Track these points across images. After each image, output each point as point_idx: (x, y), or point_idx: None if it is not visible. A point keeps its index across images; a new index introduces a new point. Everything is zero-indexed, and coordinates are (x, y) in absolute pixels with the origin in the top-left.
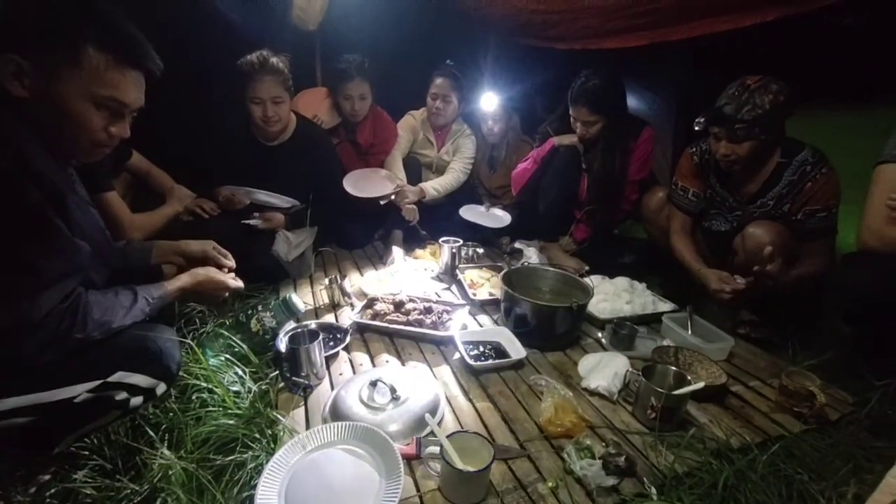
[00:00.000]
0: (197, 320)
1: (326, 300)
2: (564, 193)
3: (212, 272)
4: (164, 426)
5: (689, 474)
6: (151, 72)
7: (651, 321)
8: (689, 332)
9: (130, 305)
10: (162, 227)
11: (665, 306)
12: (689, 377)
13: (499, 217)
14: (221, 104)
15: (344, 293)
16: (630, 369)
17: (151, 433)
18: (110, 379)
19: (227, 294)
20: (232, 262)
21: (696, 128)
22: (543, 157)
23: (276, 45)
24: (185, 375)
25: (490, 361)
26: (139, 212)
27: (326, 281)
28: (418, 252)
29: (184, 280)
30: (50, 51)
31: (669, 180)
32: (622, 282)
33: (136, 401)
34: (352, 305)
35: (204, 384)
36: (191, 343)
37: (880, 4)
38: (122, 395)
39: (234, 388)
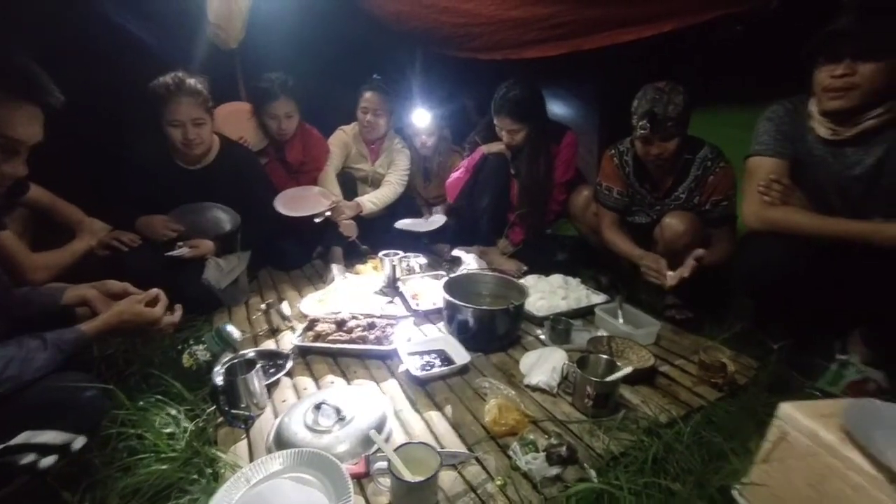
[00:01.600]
0: (120, 361)
1: (265, 326)
2: (496, 199)
3: (136, 306)
4: (83, 485)
5: (624, 454)
6: (49, 104)
7: (586, 314)
8: (621, 320)
9: (39, 355)
10: (72, 265)
11: (598, 298)
12: (619, 363)
13: (432, 221)
14: (137, 129)
15: (283, 317)
16: (567, 362)
17: (67, 496)
18: (12, 442)
19: (161, 328)
20: (162, 298)
21: (641, 131)
22: (474, 166)
23: (193, 65)
24: (108, 424)
25: (435, 370)
26: (43, 250)
27: (263, 306)
28: (359, 267)
29: (105, 318)
30: None
31: (595, 180)
32: (557, 279)
33: (47, 461)
34: (292, 329)
35: (131, 430)
36: (112, 388)
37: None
38: (28, 458)
39: (168, 430)
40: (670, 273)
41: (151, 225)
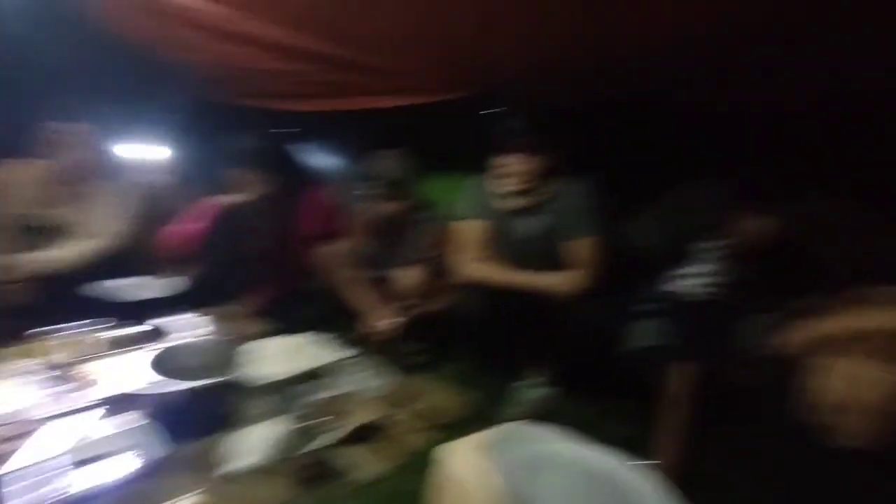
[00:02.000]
0: None
1: None
2: (236, 253)
3: None
4: None
5: None
6: None
7: (323, 374)
8: (356, 375)
9: None
10: None
11: (339, 355)
12: (338, 425)
13: (157, 285)
14: None
15: None
16: (286, 433)
17: None
18: None
19: None
20: None
21: (370, 191)
22: (210, 217)
23: None
24: None
25: (107, 481)
26: None
27: None
28: (25, 348)
29: None
30: None
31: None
32: (298, 338)
33: None
34: None
35: None
36: None
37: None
38: None
39: None
40: (385, 321)
41: None
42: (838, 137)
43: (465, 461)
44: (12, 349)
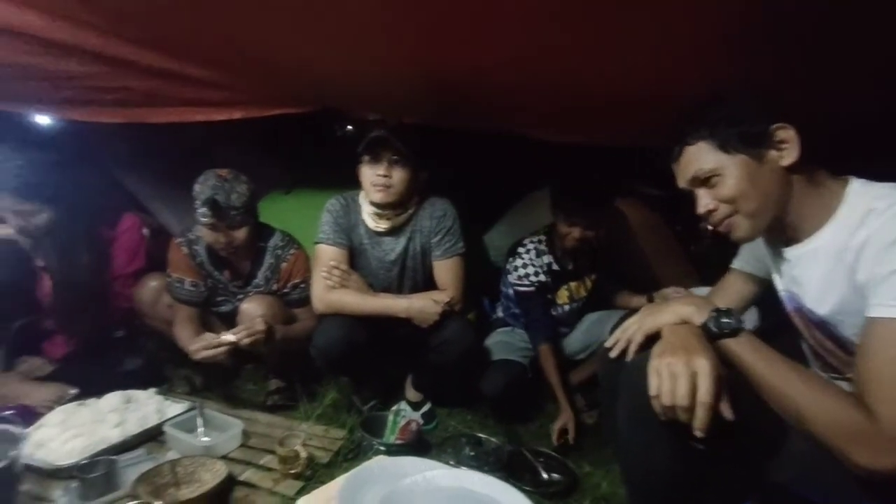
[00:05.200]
0: None
1: None
2: (10, 302)
3: None
4: None
5: None
6: None
7: (157, 436)
8: (199, 430)
9: None
10: None
11: (174, 409)
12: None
13: None
14: None
15: None
16: None
17: None
18: None
19: None
20: None
21: (203, 219)
22: None
23: None
24: None
25: None
26: None
27: None
28: None
29: None
30: None
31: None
32: (112, 399)
33: None
34: None
35: None
36: None
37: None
38: None
39: None
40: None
41: None
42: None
43: None
44: None
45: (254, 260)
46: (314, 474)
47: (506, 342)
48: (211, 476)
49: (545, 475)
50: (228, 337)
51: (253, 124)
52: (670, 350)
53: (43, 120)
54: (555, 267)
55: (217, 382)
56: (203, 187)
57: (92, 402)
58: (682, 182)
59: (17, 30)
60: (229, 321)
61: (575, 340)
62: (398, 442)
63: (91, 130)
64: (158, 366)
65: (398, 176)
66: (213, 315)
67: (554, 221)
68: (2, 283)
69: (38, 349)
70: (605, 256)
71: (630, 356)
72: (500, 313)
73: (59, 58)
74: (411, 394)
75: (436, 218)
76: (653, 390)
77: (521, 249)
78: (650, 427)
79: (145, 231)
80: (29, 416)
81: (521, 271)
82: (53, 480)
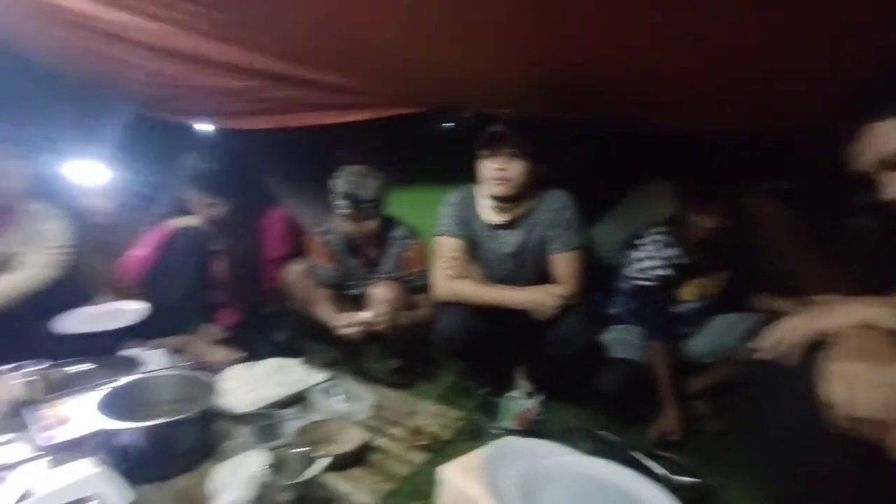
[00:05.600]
0: None
1: None
2: (194, 279)
3: None
4: None
5: None
6: None
7: (303, 399)
8: (337, 398)
9: None
10: None
11: (316, 378)
12: (322, 453)
13: (122, 312)
14: None
15: None
16: (272, 464)
17: None
18: None
19: None
20: None
21: (341, 211)
22: (163, 242)
23: None
24: None
25: None
26: None
27: None
28: None
29: None
30: None
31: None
32: (270, 364)
33: None
34: None
35: None
36: None
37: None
38: None
39: None
40: (355, 322)
41: None
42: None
43: (466, 481)
44: None
45: (381, 249)
46: (439, 448)
47: (624, 339)
48: (352, 437)
49: (672, 478)
50: (365, 316)
51: (366, 126)
52: (857, 355)
53: (209, 129)
54: (681, 261)
55: (347, 358)
56: (341, 182)
57: (255, 365)
58: (864, 165)
59: (201, 57)
60: (358, 304)
61: (700, 342)
62: (516, 427)
63: (240, 136)
64: (300, 340)
65: (516, 169)
66: (344, 298)
67: (679, 212)
68: (193, 261)
69: (214, 319)
70: (738, 253)
71: (788, 359)
72: (616, 309)
73: (225, 77)
74: (524, 384)
75: (554, 210)
76: (834, 399)
77: (642, 241)
78: (819, 438)
79: (289, 222)
80: (210, 372)
81: (643, 264)
82: (235, 424)
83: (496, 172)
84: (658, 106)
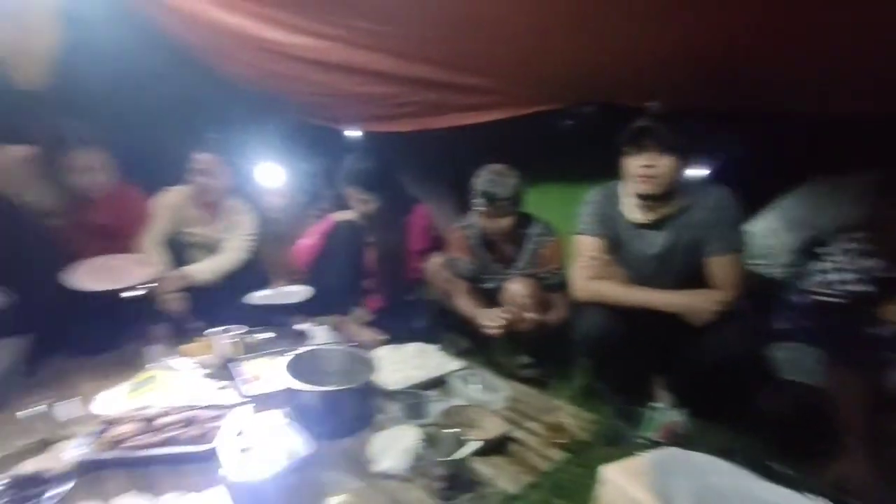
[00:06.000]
0: None
1: (37, 437)
2: (351, 266)
3: None
4: None
5: None
6: None
7: (442, 383)
8: (474, 386)
9: None
10: None
11: (453, 365)
12: (470, 436)
13: (293, 292)
14: None
15: (63, 422)
16: (418, 440)
17: None
18: None
19: None
20: None
21: (479, 209)
22: (326, 232)
23: None
24: None
25: (273, 468)
26: None
27: (37, 409)
28: (187, 348)
29: None
30: None
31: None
32: (412, 348)
33: None
34: (78, 436)
35: None
36: None
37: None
38: None
39: None
40: (498, 319)
41: None
42: None
43: (633, 486)
44: (178, 348)
45: (517, 245)
46: (577, 449)
47: (796, 359)
48: (491, 425)
49: None
50: (508, 315)
51: (502, 125)
52: None
53: (356, 133)
54: (884, 274)
55: (479, 349)
56: (480, 181)
57: (399, 347)
58: None
59: (353, 67)
60: (491, 297)
61: None
62: (660, 440)
63: (384, 139)
64: (436, 328)
65: (665, 166)
66: (480, 291)
67: (880, 213)
68: (350, 251)
69: (364, 303)
70: None
71: None
72: (784, 325)
73: (371, 84)
74: (663, 394)
75: (713, 209)
76: None
77: (827, 250)
78: None
79: (432, 218)
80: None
81: (829, 277)
82: (386, 399)
83: (643, 170)
84: (822, 86)
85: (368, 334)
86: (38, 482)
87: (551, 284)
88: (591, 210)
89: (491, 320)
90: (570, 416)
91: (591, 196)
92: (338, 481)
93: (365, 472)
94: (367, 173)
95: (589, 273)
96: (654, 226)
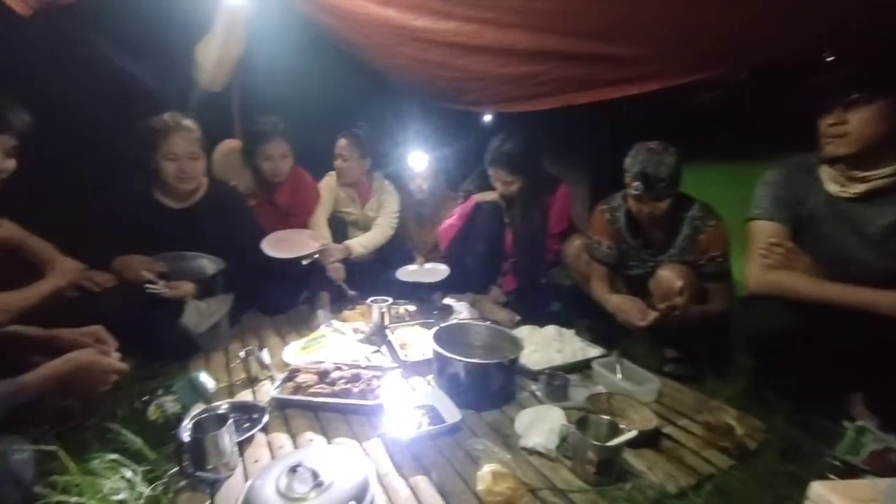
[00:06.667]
0: (78, 413)
1: (243, 375)
2: (490, 247)
3: (94, 355)
4: None
5: None
6: (18, 130)
7: (582, 368)
8: (619, 376)
9: None
10: (36, 306)
11: (594, 352)
12: (622, 426)
13: (436, 270)
14: (120, 167)
15: (262, 365)
16: (565, 423)
17: None
18: None
19: (112, 380)
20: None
21: (634, 192)
22: (467, 213)
23: (183, 105)
24: (45, 492)
25: (423, 429)
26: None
27: (242, 353)
28: (346, 314)
29: (53, 368)
30: None
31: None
32: (551, 330)
33: None
34: (271, 379)
35: (73, 500)
36: (56, 448)
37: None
38: None
39: (118, 497)
40: (645, 317)
41: (129, 265)
42: None
43: None
44: (345, 313)
45: (670, 229)
46: (742, 456)
47: None
48: (639, 418)
49: None
50: (656, 314)
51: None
52: None
53: (492, 115)
54: None
55: (613, 337)
56: (634, 161)
57: (537, 329)
58: None
59: (501, 48)
60: (635, 285)
61: None
62: (864, 467)
63: (522, 120)
64: (571, 312)
65: (858, 120)
66: (621, 277)
67: None
68: (490, 231)
69: (502, 283)
70: None
71: None
72: None
73: (514, 64)
74: (860, 412)
75: None
76: None
77: None
78: None
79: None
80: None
81: None
82: (527, 378)
83: (827, 129)
84: None
85: (503, 314)
86: (248, 410)
87: (709, 273)
88: (772, 192)
89: (640, 312)
90: (734, 420)
91: (770, 175)
92: (487, 450)
93: (510, 446)
94: (511, 154)
95: (767, 262)
96: (864, 200)
